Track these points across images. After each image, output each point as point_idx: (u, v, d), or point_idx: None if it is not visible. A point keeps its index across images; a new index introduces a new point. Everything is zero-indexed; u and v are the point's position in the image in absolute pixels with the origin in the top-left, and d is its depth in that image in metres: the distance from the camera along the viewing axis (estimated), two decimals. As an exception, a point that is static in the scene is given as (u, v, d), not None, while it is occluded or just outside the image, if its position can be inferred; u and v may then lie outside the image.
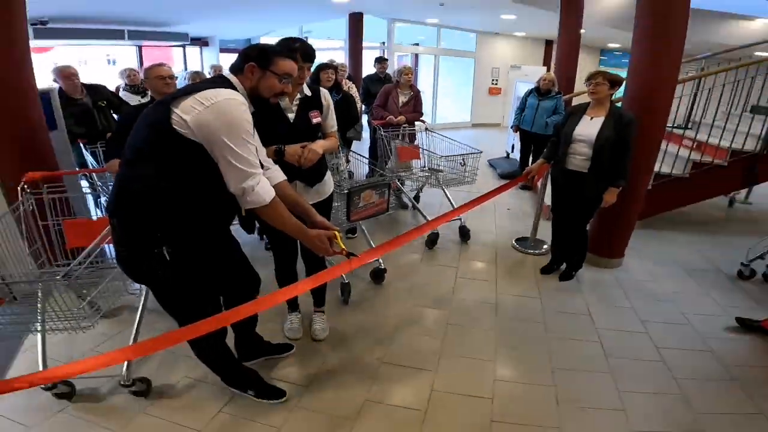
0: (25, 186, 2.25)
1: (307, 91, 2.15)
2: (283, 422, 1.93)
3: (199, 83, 1.56)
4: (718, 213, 5.20)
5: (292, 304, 2.61)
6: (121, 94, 4.72)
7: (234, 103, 1.47)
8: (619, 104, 3.20)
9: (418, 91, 4.71)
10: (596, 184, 2.93)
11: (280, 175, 1.82)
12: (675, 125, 5.29)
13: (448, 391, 2.15)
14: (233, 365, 2.05)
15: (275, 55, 1.63)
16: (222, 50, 10.39)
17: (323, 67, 3.88)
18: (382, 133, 4.20)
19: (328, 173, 2.35)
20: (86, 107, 3.51)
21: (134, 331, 2.19)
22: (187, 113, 1.42)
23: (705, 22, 7.02)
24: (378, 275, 3.17)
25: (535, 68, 9.91)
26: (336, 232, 1.76)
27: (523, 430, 1.92)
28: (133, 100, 4.57)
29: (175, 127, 1.43)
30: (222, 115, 1.44)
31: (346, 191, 2.79)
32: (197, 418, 1.95)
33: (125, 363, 2.02)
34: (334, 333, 2.60)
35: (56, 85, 3.40)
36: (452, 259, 3.66)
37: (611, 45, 11.55)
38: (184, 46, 9.59)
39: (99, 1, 6.48)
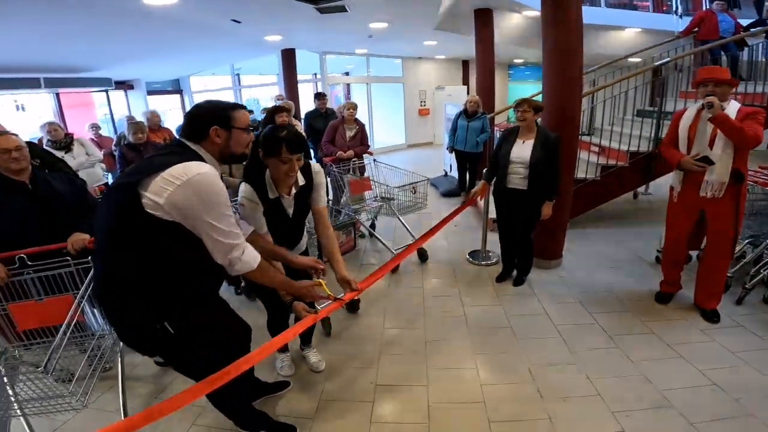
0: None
1: (302, 180, 2.13)
2: (299, 456, 2.03)
3: (159, 156, 1.50)
4: (627, 206, 5.99)
5: (307, 339, 2.74)
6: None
7: (207, 177, 1.43)
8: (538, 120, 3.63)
9: (363, 125, 4.93)
10: (534, 198, 3.35)
11: (248, 228, 1.92)
12: (580, 133, 6.10)
13: (443, 401, 2.36)
14: (246, 408, 2.11)
15: (229, 111, 1.59)
16: (150, 92, 9.90)
17: (277, 110, 4.06)
18: (334, 169, 4.38)
19: (305, 236, 2.46)
20: None
21: (120, 391, 2.18)
22: (159, 195, 1.37)
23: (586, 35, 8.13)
24: (353, 306, 3.33)
25: (457, 87, 10.69)
26: (321, 281, 1.91)
27: (521, 426, 2.18)
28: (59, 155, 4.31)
29: (148, 211, 1.37)
30: (197, 193, 1.39)
31: (314, 235, 2.84)
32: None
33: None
34: (326, 365, 2.71)
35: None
36: (416, 280, 3.91)
37: (516, 61, 12.72)
38: (107, 91, 9.02)
39: (12, 49, 6.09)
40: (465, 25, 7.37)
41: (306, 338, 2.73)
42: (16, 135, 2.35)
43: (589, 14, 7.86)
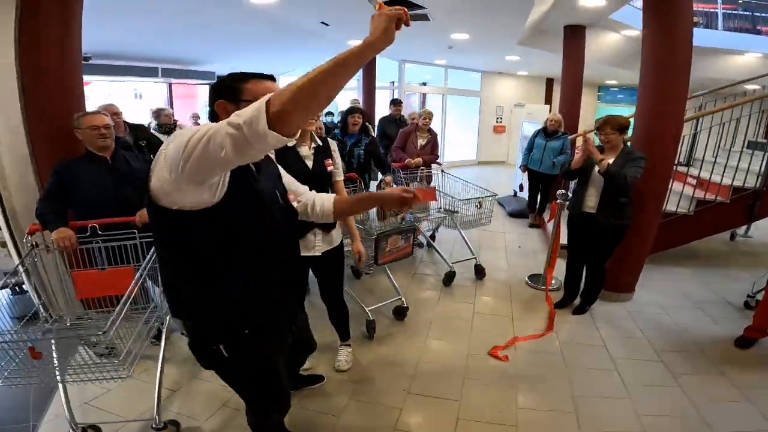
0: (30, 238, 2.26)
1: (318, 141, 2.34)
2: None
3: None
4: (721, 247, 5.34)
5: (344, 336, 2.72)
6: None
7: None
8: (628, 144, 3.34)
9: (435, 135, 4.91)
10: (607, 215, 3.02)
11: (327, 196, 1.79)
12: (677, 162, 5.50)
13: (473, 419, 2.26)
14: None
15: (240, 82, 1.29)
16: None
17: (351, 111, 4.00)
18: (401, 174, 4.43)
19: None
20: (127, 144, 3.42)
21: (158, 374, 2.20)
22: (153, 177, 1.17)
23: (696, 59, 7.39)
24: (400, 312, 3.32)
25: (538, 106, 10.17)
26: None
27: (550, 455, 2.02)
28: (164, 140, 4.72)
29: (158, 204, 1.19)
30: (171, 147, 1.11)
31: (373, 237, 2.88)
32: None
33: (155, 403, 2.06)
34: (362, 366, 2.72)
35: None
36: (469, 295, 3.79)
37: (608, 82, 11.91)
38: (210, 84, 10.20)
39: (138, 39, 6.96)
40: (552, 41, 7.04)
41: (344, 333, 2.74)
42: (107, 113, 2.58)
43: (705, 37, 7.25)
